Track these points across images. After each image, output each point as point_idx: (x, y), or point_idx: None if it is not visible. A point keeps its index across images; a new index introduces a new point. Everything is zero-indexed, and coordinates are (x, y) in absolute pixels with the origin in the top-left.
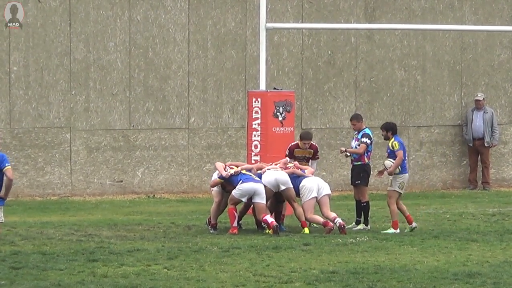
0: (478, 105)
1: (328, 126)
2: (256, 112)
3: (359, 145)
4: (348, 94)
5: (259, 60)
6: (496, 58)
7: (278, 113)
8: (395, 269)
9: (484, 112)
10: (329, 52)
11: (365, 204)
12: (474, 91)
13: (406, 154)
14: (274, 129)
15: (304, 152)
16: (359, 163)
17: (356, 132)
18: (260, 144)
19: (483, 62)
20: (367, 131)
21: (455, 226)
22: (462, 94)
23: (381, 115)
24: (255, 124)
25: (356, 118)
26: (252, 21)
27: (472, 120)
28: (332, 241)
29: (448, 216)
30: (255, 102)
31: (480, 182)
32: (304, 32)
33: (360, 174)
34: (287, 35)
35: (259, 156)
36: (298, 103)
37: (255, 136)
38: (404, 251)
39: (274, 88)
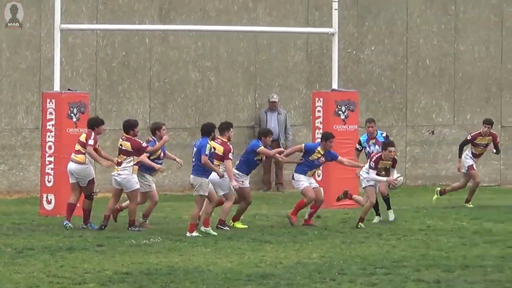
0: (273, 107)
1: (120, 127)
2: (51, 113)
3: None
4: (142, 95)
5: (54, 61)
6: (290, 59)
7: (72, 114)
8: (188, 270)
9: (278, 113)
10: (123, 53)
11: None
12: (268, 92)
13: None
14: (68, 130)
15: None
16: None
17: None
18: (54, 145)
19: (277, 63)
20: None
21: (248, 227)
22: (256, 95)
23: (175, 116)
24: (50, 125)
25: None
26: (47, 22)
27: (266, 121)
28: (126, 242)
29: (242, 217)
30: (49, 103)
31: (274, 183)
32: (99, 33)
33: None
34: (82, 36)
35: (53, 157)
36: (92, 104)
37: (49, 137)
38: (197, 252)
39: (69, 89)
